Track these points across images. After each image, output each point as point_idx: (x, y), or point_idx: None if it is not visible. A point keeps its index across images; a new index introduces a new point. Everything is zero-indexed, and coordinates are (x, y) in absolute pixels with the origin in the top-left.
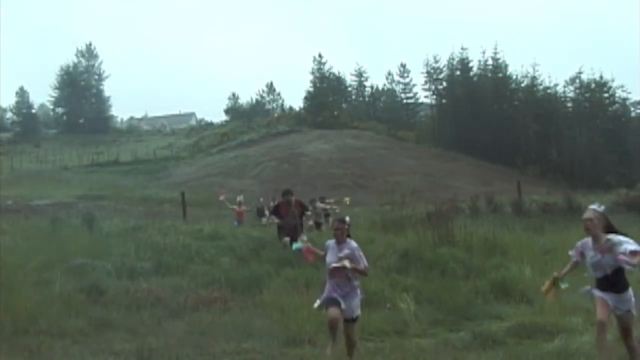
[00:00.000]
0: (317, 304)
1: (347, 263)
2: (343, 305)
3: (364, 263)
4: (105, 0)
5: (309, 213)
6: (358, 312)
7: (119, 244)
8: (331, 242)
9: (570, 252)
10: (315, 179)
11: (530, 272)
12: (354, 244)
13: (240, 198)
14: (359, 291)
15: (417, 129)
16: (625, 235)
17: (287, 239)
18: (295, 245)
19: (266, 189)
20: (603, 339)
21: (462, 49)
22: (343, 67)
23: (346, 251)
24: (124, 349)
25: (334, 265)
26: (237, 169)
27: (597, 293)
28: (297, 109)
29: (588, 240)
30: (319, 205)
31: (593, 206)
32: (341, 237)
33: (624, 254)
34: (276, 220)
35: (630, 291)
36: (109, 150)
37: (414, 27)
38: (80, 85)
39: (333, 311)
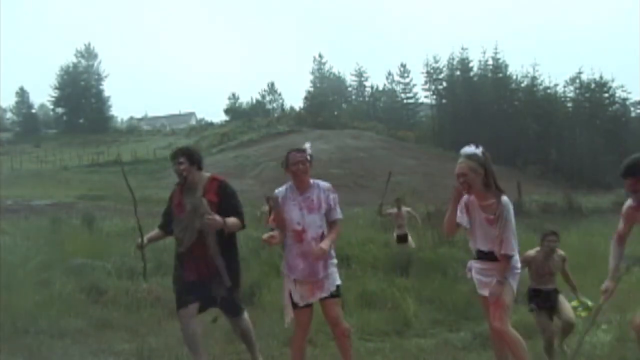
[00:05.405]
0: (288, 315)
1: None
2: (314, 298)
3: (337, 215)
4: (104, 0)
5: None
6: (337, 280)
7: (119, 244)
8: (283, 190)
9: None
10: (316, 179)
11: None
12: (322, 184)
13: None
14: (333, 252)
15: (417, 129)
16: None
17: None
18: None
19: (266, 190)
20: None
21: (462, 49)
22: (343, 67)
23: (319, 203)
24: (124, 349)
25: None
26: (237, 169)
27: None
28: (297, 109)
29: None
30: (405, 209)
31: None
32: (304, 177)
33: None
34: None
35: None
36: (109, 150)
37: (414, 27)
38: (80, 85)
39: (303, 314)
